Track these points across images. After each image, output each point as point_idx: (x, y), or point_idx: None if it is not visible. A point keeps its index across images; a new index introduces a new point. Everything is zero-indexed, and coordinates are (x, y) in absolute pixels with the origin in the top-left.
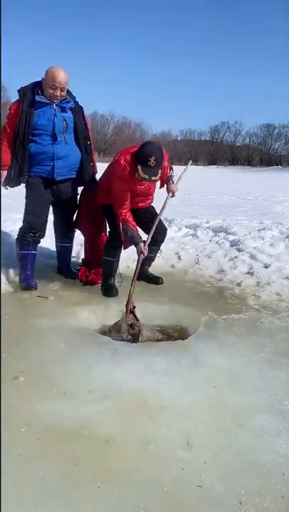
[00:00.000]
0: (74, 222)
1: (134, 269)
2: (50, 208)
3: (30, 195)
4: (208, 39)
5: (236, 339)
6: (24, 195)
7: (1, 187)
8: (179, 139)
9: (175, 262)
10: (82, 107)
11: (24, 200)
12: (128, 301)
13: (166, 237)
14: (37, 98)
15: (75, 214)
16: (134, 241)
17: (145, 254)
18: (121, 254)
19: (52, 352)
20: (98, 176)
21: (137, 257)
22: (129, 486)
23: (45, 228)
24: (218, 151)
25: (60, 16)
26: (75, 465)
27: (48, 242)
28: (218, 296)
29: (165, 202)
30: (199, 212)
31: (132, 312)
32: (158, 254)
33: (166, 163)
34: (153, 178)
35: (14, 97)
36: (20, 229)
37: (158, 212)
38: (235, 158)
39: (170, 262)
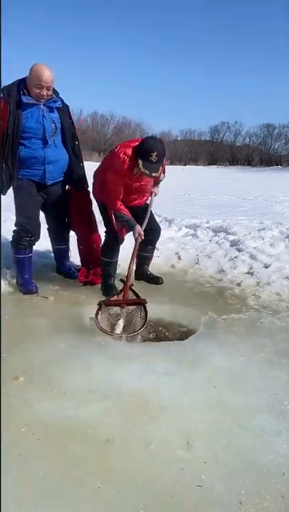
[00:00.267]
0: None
1: (133, 249)
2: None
3: (21, 198)
4: (208, 39)
5: (236, 339)
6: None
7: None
8: (179, 139)
9: (175, 262)
10: (68, 105)
11: (14, 204)
12: (127, 278)
13: (166, 237)
14: (24, 99)
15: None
16: (129, 224)
17: (142, 236)
18: (121, 255)
19: (52, 352)
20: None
21: (134, 240)
22: (129, 486)
23: (39, 230)
24: (218, 151)
25: (60, 16)
26: (75, 465)
27: (47, 242)
28: (218, 296)
29: (151, 200)
30: (199, 212)
31: (131, 289)
32: (155, 253)
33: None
34: (153, 174)
35: None
36: (14, 232)
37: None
38: (235, 158)
39: (170, 262)
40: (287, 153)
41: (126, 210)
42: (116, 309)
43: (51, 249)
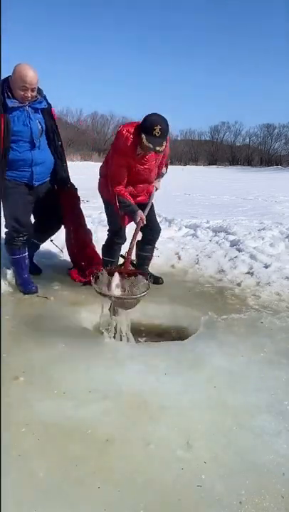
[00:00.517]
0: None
1: (134, 232)
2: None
3: (11, 199)
4: (208, 39)
5: (236, 339)
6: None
7: None
8: (179, 139)
9: (175, 262)
10: (50, 104)
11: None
12: (128, 252)
13: (166, 237)
14: (9, 103)
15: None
16: (131, 209)
17: (144, 221)
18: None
19: (52, 352)
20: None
21: (136, 224)
22: (129, 486)
23: (31, 229)
24: (218, 151)
25: (60, 16)
26: (75, 465)
27: (47, 242)
28: (218, 296)
29: (152, 195)
30: (199, 212)
31: (132, 263)
32: (155, 253)
33: (167, 148)
34: (158, 148)
35: None
36: (6, 234)
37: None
38: (235, 158)
39: (170, 262)
40: (287, 153)
41: (129, 196)
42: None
43: (53, 248)
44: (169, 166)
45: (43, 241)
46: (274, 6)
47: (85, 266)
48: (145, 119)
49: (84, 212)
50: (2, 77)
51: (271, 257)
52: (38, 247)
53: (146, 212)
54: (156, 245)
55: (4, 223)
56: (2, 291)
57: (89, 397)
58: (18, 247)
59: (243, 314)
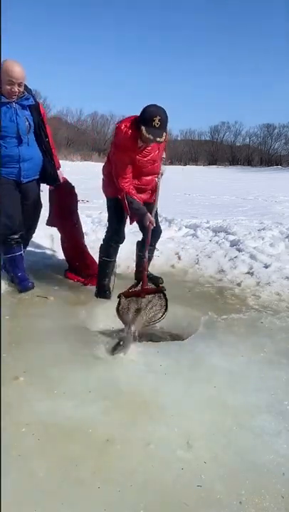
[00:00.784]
0: (48, 219)
1: (146, 238)
2: None
3: (1, 196)
4: (208, 39)
5: (236, 339)
6: None
7: None
8: (179, 139)
9: (175, 262)
10: (38, 102)
11: None
12: (143, 267)
13: (166, 237)
14: None
15: (41, 213)
16: (140, 212)
17: (153, 224)
18: (120, 254)
19: (52, 352)
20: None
21: (147, 228)
22: (129, 486)
23: (23, 227)
24: (218, 151)
25: (60, 16)
26: (75, 465)
27: (47, 242)
28: (218, 296)
29: (158, 183)
30: (199, 212)
31: (149, 277)
32: (155, 253)
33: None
34: (158, 139)
35: None
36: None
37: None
38: (235, 158)
39: (170, 262)
40: (287, 153)
41: (136, 195)
42: (136, 300)
43: (53, 248)
44: (167, 167)
45: (24, 246)
46: (274, 6)
47: (79, 266)
48: (144, 110)
49: (84, 212)
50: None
51: (271, 257)
52: (22, 257)
53: (154, 212)
54: (156, 246)
55: None
56: (2, 291)
57: (89, 397)
58: (12, 245)
59: (243, 314)
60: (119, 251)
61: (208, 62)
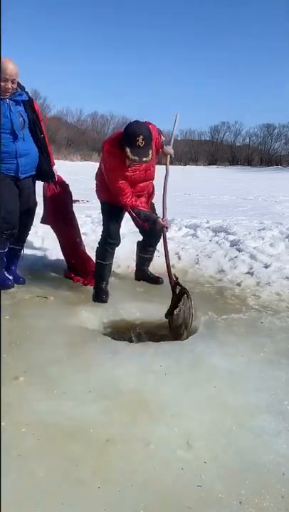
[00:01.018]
0: (42, 217)
1: (164, 247)
2: None
3: (1, 191)
4: (208, 39)
5: (236, 339)
6: None
7: None
8: (179, 139)
9: (175, 262)
10: (32, 98)
11: None
12: (170, 276)
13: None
14: None
15: (38, 212)
16: (150, 219)
17: (168, 227)
18: (120, 255)
19: (52, 352)
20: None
21: (162, 233)
22: (129, 486)
23: (18, 224)
24: (218, 151)
25: (60, 16)
26: (75, 465)
27: (47, 242)
28: (218, 296)
29: (166, 170)
30: (199, 212)
31: (177, 283)
32: (155, 253)
33: (156, 136)
34: (144, 159)
35: None
36: None
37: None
38: (235, 158)
39: (170, 262)
40: (287, 153)
41: (140, 203)
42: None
43: (53, 248)
44: (177, 122)
45: (20, 244)
46: (274, 6)
47: (76, 264)
48: (126, 130)
49: (84, 212)
50: None
51: (271, 257)
52: (19, 255)
53: (166, 204)
54: (156, 248)
55: None
56: (2, 292)
57: (89, 397)
58: (3, 240)
59: (243, 314)
60: (119, 251)
61: (208, 62)
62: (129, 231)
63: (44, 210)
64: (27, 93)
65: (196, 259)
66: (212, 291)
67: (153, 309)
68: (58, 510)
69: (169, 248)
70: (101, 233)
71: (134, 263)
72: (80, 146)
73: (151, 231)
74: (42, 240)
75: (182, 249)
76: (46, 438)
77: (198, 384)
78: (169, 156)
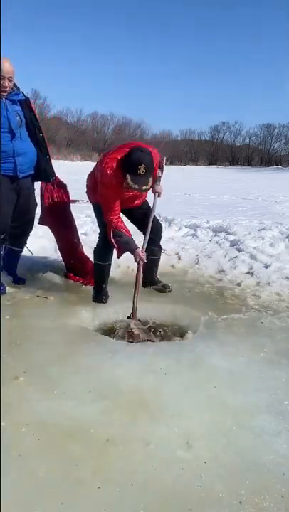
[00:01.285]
0: (40, 218)
1: (135, 280)
2: None
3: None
4: (208, 39)
5: (236, 339)
6: None
7: None
8: (179, 139)
9: (175, 262)
10: (28, 98)
11: None
12: (133, 314)
13: (166, 236)
14: None
15: (36, 212)
16: (129, 248)
17: (144, 260)
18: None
19: (52, 352)
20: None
21: (137, 266)
22: (129, 486)
23: (8, 228)
24: (218, 151)
25: (60, 16)
26: (75, 465)
27: (47, 242)
28: (218, 296)
29: (154, 203)
30: (199, 212)
31: (141, 328)
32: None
33: (156, 167)
34: (144, 187)
35: None
36: None
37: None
38: (235, 158)
39: (170, 262)
40: (287, 153)
41: (125, 227)
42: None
43: (52, 247)
44: (164, 167)
45: (20, 246)
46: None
47: (75, 265)
48: (128, 157)
49: (84, 212)
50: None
51: (271, 257)
52: (18, 256)
53: (148, 232)
54: (161, 246)
55: None
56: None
57: (89, 397)
58: None
59: (243, 314)
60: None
61: (208, 62)
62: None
63: (42, 210)
64: (23, 93)
65: (196, 259)
66: (212, 291)
67: (153, 309)
68: (58, 510)
69: (169, 248)
70: (98, 235)
71: (135, 264)
72: (80, 146)
73: (151, 227)
74: (42, 240)
75: (182, 249)
76: (46, 438)
77: (198, 384)
78: (157, 193)
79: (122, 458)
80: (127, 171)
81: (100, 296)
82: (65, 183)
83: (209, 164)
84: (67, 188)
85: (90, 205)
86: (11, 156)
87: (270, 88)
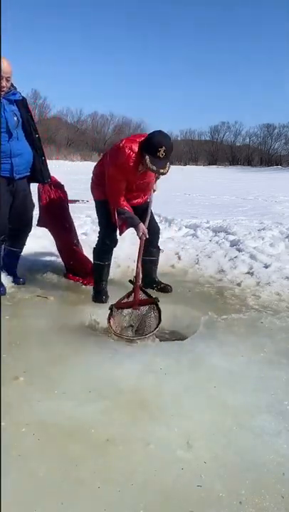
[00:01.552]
0: (38, 220)
1: (138, 251)
2: None
3: None
4: (208, 39)
5: (236, 339)
6: None
7: None
8: (179, 139)
9: (175, 262)
10: (25, 98)
11: None
12: (136, 278)
13: (166, 237)
14: None
15: (34, 213)
16: (133, 222)
17: (146, 235)
18: (121, 255)
19: (52, 352)
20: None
21: (139, 240)
22: (129, 486)
23: (6, 230)
24: (218, 151)
25: (60, 17)
26: (75, 465)
27: (47, 242)
28: (218, 296)
29: (150, 199)
30: (199, 212)
31: (142, 289)
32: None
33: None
34: (161, 170)
35: None
36: None
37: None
38: (235, 158)
39: (170, 262)
40: (287, 153)
41: (129, 206)
42: (128, 311)
43: (52, 248)
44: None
45: (19, 246)
46: (274, 7)
47: (74, 266)
48: (150, 138)
49: (84, 212)
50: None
51: (271, 257)
52: (18, 256)
53: (147, 222)
54: (160, 248)
55: None
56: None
57: (89, 397)
58: None
59: (243, 314)
60: (119, 251)
61: (208, 62)
62: (129, 230)
63: (40, 212)
64: (19, 93)
65: (196, 259)
66: (212, 291)
67: None
68: (58, 510)
69: (168, 248)
70: (98, 234)
71: (135, 264)
72: (80, 146)
73: (149, 227)
74: (41, 240)
75: (182, 249)
76: (46, 438)
77: (198, 384)
78: (152, 190)
79: (122, 458)
80: (147, 152)
81: (99, 296)
82: (62, 183)
83: (209, 164)
84: (65, 188)
85: (90, 206)
86: (8, 157)
87: (270, 88)
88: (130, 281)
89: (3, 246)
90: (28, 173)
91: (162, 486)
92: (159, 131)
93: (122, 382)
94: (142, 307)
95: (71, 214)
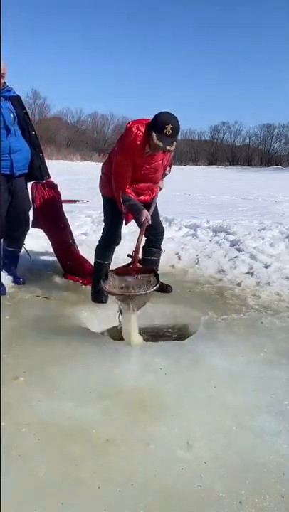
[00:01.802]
0: (32, 221)
1: (139, 232)
2: None
3: None
4: (208, 39)
5: (236, 339)
6: None
7: None
8: (179, 139)
9: (175, 262)
10: (19, 96)
11: None
12: (136, 250)
13: (166, 237)
14: None
15: (30, 213)
16: (136, 208)
17: (149, 221)
18: (121, 255)
19: (52, 352)
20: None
21: (142, 223)
22: (129, 486)
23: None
24: (218, 151)
25: (60, 17)
26: (75, 465)
27: (46, 242)
28: (218, 296)
29: (155, 197)
30: (199, 212)
31: (140, 262)
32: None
33: (167, 164)
34: (168, 147)
35: None
36: None
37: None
38: (235, 158)
39: (170, 262)
40: (287, 153)
41: (134, 194)
42: (126, 278)
43: (48, 248)
44: (172, 166)
45: (18, 246)
46: (274, 7)
47: (71, 266)
48: (156, 116)
49: (84, 212)
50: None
51: (271, 257)
52: (17, 256)
53: (151, 212)
54: (162, 248)
55: None
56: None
57: (89, 397)
58: None
59: (243, 314)
60: (119, 251)
61: (208, 62)
62: (129, 231)
63: (34, 213)
64: (13, 90)
65: (196, 259)
66: (212, 291)
67: (153, 309)
68: (58, 510)
69: (169, 248)
70: (101, 232)
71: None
72: (80, 146)
73: (152, 227)
74: (41, 240)
75: (182, 249)
76: (46, 438)
77: (198, 384)
78: (159, 188)
79: (122, 458)
80: (154, 129)
81: (99, 295)
82: (56, 183)
83: (209, 164)
84: (58, 189)
85: (90, 206)
86: (7, 153)
87: (270, 88)
88: (129, 255)
89: (2, 246)
90: (26, 171)
91: (162, 486)
92: (166, 111)
93: (122, 382)
94: (140, 275)
95: (67, 214)
